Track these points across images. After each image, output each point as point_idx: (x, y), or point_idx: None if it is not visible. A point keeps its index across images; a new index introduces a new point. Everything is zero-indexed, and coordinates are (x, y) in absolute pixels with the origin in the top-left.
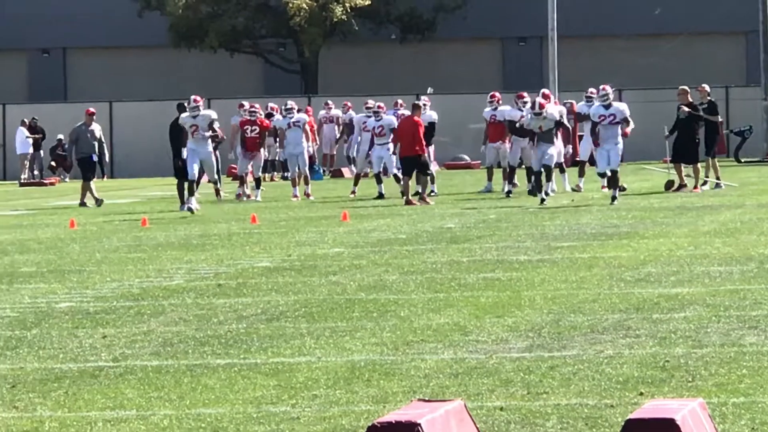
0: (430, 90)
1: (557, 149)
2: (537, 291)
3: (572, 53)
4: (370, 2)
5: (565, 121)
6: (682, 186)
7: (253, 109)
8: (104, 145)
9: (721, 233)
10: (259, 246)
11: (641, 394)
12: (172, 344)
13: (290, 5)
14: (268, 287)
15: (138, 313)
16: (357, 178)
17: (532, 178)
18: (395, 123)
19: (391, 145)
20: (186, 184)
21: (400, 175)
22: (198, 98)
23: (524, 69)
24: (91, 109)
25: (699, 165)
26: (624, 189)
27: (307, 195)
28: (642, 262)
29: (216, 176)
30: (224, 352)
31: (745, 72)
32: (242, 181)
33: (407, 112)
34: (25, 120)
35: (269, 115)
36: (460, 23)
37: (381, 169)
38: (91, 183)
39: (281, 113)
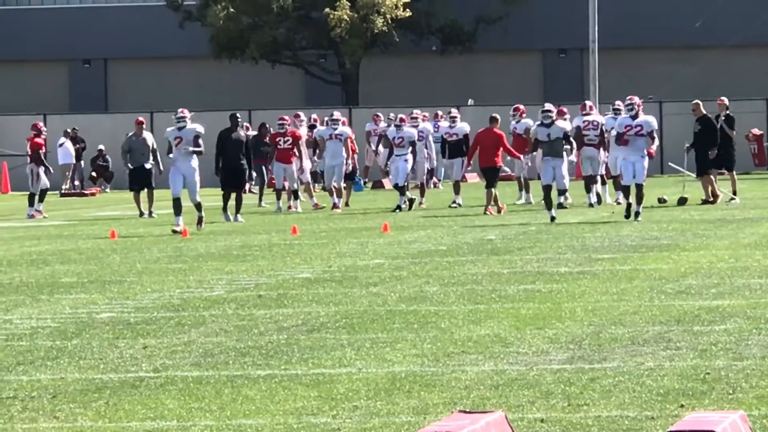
0: (470, 102)
1: (567, 165)
2: (577, 303)
3: (613, 65)
4: (411, 14)
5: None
6: (715, 198)
7: (281, 122)
8: (158, 153)
9: (761, 245)
10: (300, 257)
11: (682, 406)
12: (212, 355)
13: (331, 16)
14: (309, 298)
15: (178, 324)
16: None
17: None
18: (415, 135)
19: (410, 157)
20: (174, 202)
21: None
22: (185, 111)
23: (565, 81)
24: (141, 118)
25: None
26: (665, 201)
27: (337, 207)
28: (682, 275)
29: (198, 199)
30: (265, 363)
31: None
32: (279, 194)
33: (445, 124)
34: (68, 130)
35: (312, 126)
36: (500, 35)
37: (400, 180)
38: (144, 193)
39: (325, 123)
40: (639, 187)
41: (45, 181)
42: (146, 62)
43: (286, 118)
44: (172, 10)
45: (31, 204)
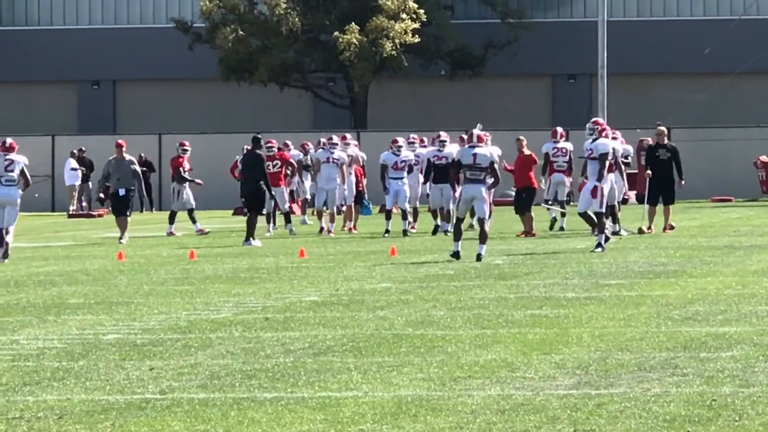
0: (479, 126)
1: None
2: (584, 328)
3: (622, 90)
4: (419, 39)
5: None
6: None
7: (269, 145)
8: (140, 177)
9: None
10: (307, 280)
11: None
12: (219, 377)
13: (340, 40)
14: (316, 321)
15: (185, 346)
16: (434, 215)
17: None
18: (412, 158)
19: (406, 180)
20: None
21: (409, 209)
22: (12, 141)
23: (574, 106)
24: (120, 141)
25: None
26: (673, 228)
27: (329, 231)
28: (689, 301)
29: (11, 228)
30: (271, 386)
31: None
32: (268, 218)
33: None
34: (74, 151)
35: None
36: (510, 60)
37: (394, 204)
38: (121, 220)
39: (323, 146)
40: (581, 215)
41: (190, 200)
42: (155, 84)
43: (274, 141)
44: (182, 32)
45: (171, 221)
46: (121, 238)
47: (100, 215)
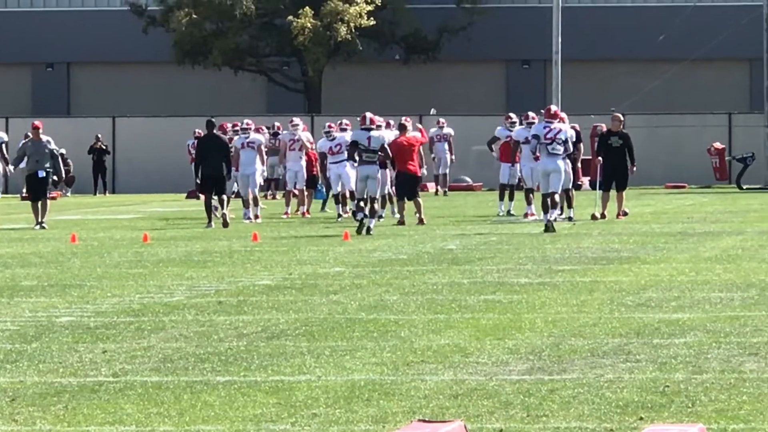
0: (433, 111)
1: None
2: (538, 314)
3: (576, 77)
4: (374, 22)
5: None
6: (603, 216)
7: (236, 128)
8: (59, 159)
9: (722, 260)
10: (260, 264)
11: (641, 418)
12: (172, 360)
13: (294, 24)
14: (269, 305)
15: (138, 329)
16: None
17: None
18: (347, 140)
19: (347, 163)
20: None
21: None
22: None
23: (528, 92)
24: (37, 122)
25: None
26: (626, 214)
27: (257, 216)
28: (643, 287)
29: None
30: (224, 370)
31: (748, 99)
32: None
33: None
34: (28, 134)
35: (275, 134)
36: (464, 45)
37: (340, 189)
38: (42, 203)
39: (237, 132)
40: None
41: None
42: (109, 67)
43: (251, 122)
44: (136, 15)
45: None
46: (41, 223)
47: (53, 198)
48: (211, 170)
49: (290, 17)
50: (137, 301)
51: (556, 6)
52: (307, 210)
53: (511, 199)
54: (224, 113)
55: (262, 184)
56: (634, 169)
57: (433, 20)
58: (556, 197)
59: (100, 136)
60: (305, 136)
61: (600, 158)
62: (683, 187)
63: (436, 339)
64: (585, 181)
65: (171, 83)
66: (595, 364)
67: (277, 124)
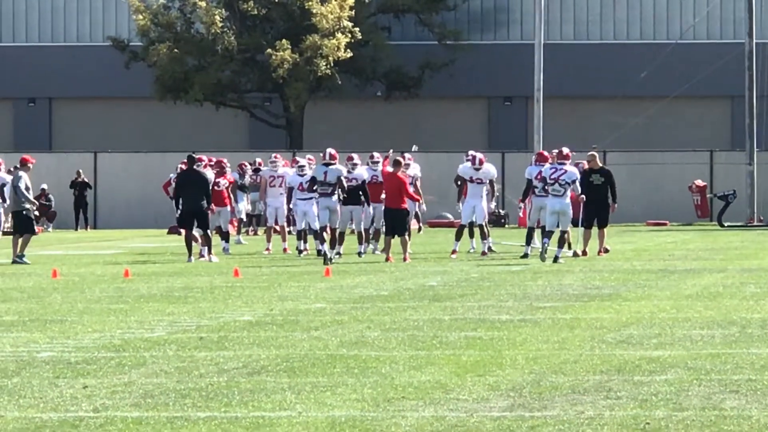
0: (414, 148)
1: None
2: (519, 351)
3: (557, 114)
4: (352, 54)
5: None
6: (584, 253)
7: (221, 163)
8: (30, 193)
9: (703, 297)
10: (242, 300)
11: None
12: (152, 396)
13: (273, 57)
14: (250, 341)
15: (119, 364)
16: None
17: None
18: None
19: (313, 201)
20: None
21: (319, 230)
22: None
23: (510, 128)
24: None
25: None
26: (608, 251)
27: (268, 250)
28: (624, 324)
29: None
30: (205, 405)
31: (730, 136)
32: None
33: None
34: (11, 169)
35: (257, 170)
36: (446, 81)
37: (306, 226)
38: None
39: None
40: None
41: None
42: (91, 102)
43: (225, 160)
44: (118, 50)
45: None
46: (21, 256)
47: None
48: (191, 205)
49: (269, 50)
50: (118, 337)
51: (537, 43)
52: (288, 246)
53: (471, 236)
54: (206, 149)
55: (245, 220)
56: (615, 206)
57: (414, 56)
58: (566, 236)
59: (81, 171)
60: (285, 172)
61: (582, 196)
62: (665, 224)
63: (416, 375)
64: None
65: (153, 119)
66: (575, 401)
67: (258, 160)
